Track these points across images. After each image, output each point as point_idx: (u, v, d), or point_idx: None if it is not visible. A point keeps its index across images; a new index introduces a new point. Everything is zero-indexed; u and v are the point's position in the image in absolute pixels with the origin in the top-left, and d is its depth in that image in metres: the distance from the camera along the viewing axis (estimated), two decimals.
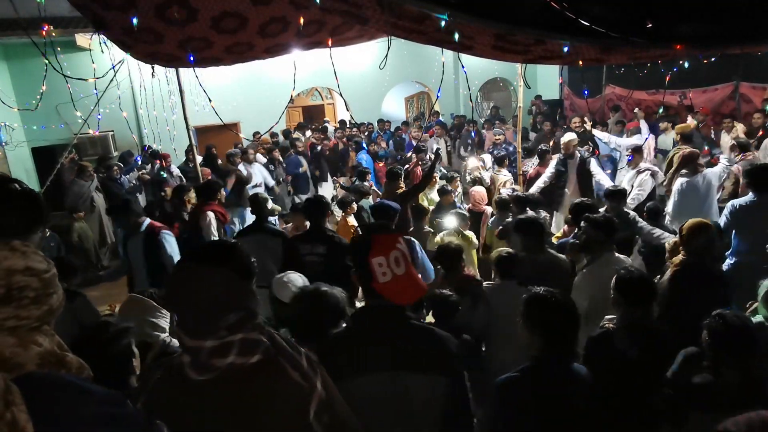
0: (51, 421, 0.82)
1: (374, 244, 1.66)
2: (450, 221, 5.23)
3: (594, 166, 6.61)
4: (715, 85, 8.76)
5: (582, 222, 3.54)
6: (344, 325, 1.84)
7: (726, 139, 7.52)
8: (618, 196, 4.79)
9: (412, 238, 4.28)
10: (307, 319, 2.12)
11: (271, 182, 8.65)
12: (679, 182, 5.45)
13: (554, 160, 6.86)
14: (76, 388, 0.93)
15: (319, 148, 10.09)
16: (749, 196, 4.31)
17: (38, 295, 1.29)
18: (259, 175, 8.35)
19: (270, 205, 5.09)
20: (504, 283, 3.45)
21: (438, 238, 5.12)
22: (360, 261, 1.68)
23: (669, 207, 5.51)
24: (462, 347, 3.08)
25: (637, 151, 6.68)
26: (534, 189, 6.67)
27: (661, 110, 8.02)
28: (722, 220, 4.42)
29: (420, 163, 8.20)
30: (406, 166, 8.25)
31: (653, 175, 6.20)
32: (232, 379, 1.28)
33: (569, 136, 6.85)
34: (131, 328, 2.08)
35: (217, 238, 5.11)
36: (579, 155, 6.66)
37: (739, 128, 7.37)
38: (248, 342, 1.30)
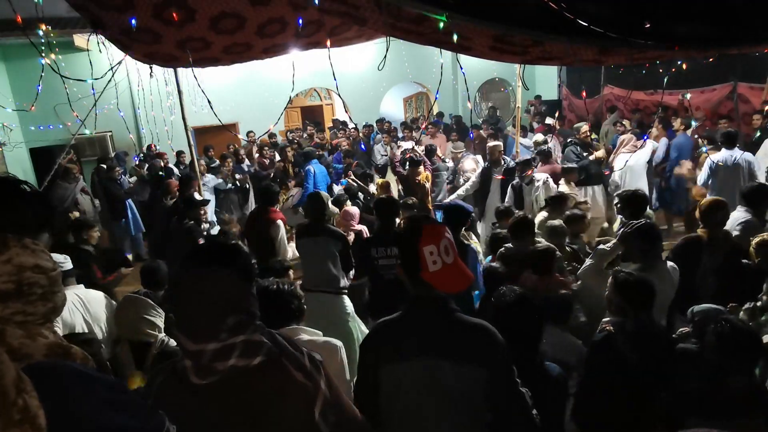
0: (60, 407, 0.85)
1: (424, 233, 1.66)
2: None
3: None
4: (714, 86, 8.76)
5: (620, 232, 3.37)
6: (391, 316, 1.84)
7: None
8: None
9: (472, 245, 4.09)
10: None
11: None
12: (622, 158, 7.06)
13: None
14: (83, 376, 0.96)
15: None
16: (723, 152, 5.94)
17: (45, 292, 1.33)
18: None
19: (331, 206, 4.80)
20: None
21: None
22: (409, 250, 1.67)
23: (615, 177, 7.25)
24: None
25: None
26: (454, 196, 6.62)
27: (659, 110, 8.02)
28: (704, 174, 5.98)
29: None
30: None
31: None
32: (235, 381, 1.27)
33: (494, 143, 6.90)
34: None
35: (289, 252, 4.87)
36: (505, 163, 6.56)
37: (626, 123, 8.57)
38: (250, 344, 1.30)
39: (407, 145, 8.57)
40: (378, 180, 7.50)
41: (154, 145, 10.10)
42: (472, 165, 7.88)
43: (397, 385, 1.70)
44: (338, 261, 4.08)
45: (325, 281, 4.01)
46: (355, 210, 5.52)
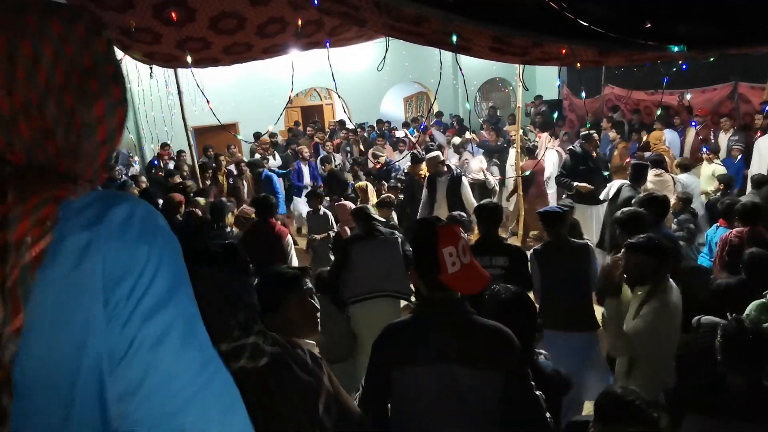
0: None
1: (442, 235, 1.65)
2: None
3: (465, 186, 5.96)
4: (714, 86, 8.75)
5: (622, 250, 2.86)
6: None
7: (724, 138, 7.61)
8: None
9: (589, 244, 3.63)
10: None
11: None
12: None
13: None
14: None
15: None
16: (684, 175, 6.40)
17: None
18: None
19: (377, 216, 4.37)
20: None
21: None
22: (428, 253, 1.66)
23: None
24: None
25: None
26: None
27: (659, 111, 8.02)
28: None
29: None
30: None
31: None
32: (242, 384, 1.27)
33: (433, 154, 6.39)
34: None
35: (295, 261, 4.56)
36: (450, 173, 6.04)
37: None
38: (258, 346, 1.33)
39: (400, 133, 8.50)
40: (359, 184, 7.28)
41: (168, 151, 9.91)
42: (479, 165, 7.72)
43: (410, 389, 1.68)
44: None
45: (389, 282, 3.83)
46: (349, 204, 5.32)
